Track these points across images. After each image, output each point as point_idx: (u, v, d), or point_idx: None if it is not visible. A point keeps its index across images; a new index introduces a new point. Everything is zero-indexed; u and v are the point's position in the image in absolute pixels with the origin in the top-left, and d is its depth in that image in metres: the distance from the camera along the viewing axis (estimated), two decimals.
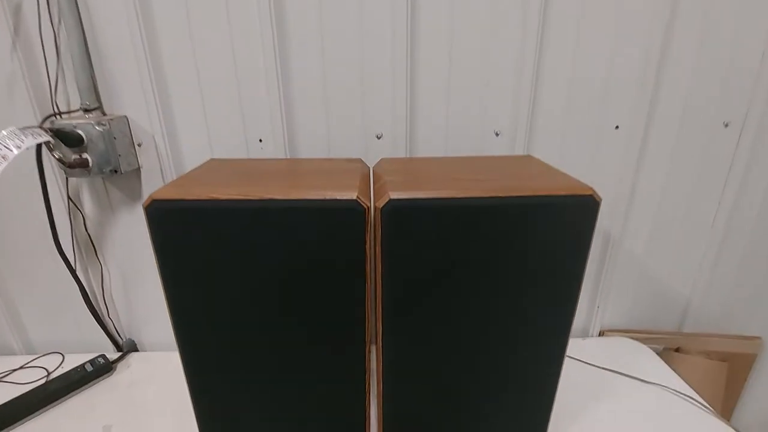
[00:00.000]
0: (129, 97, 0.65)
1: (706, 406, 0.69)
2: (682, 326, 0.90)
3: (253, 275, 0.46)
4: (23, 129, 0.52)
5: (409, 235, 0.44)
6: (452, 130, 0.69)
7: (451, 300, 0.48)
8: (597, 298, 0.85)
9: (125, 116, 0.65)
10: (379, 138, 0.69)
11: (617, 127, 0.71)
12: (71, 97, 0.64)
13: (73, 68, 0.61)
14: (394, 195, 0.43)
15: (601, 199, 0.44)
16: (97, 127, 0.60)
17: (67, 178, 0.67)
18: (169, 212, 0.43)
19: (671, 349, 0.88)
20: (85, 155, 0.61)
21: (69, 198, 0.69)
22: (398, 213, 0.43)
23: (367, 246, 0.45)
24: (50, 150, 0.56)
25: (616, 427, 0.65)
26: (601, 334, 0.89)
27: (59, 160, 0.57)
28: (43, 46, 0.60)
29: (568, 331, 0.51)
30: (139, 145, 0.67)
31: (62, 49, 0.61)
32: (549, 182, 0.47)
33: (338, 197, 0.43)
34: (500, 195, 0.44)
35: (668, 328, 0.90)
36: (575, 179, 0.48)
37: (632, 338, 0.87)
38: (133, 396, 0.70)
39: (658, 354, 0.83)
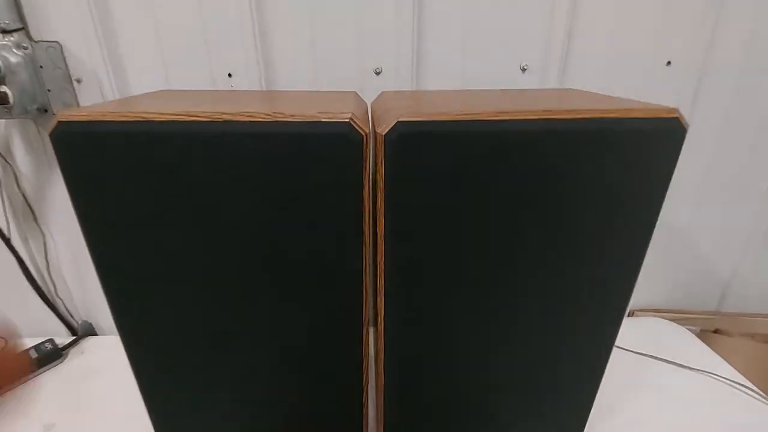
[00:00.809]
0: (63, 19, 0.51)
1: (760, 394, 0.59)
2: (721, 306, 0.79)
3: (210, 228, 0.34)
4: None
5: (422, 174, 0.32)
6: (469, 66, 0.56)
7: (478, 264, 0.36)
8: None
9: (57, 42, 0.51)
10: (378, 74, 0.56)
11: (669, 63, 0.58)
12: None
13: None
14: (403, 119, 0.31)
15: (688, 126, 0.32)
16: (15, 50, 0.46)
17: None
18: (85, 139, 0.30)
19: (709, 331, 0.78)
20: (2, 88, 0.47)
21: None
22: (408, 142, 0.31)
23: (365, 191, 0.33)
24: None
25: (660, 418, 0.54)
26: (631, 314, 0.78)
27: None
28: None
29: (628, 300, 0.40)
30: (78, 81, 0.53)
31: None
32: (612, 105, 0.34)
33: (324, 119, 0.31)
34: (550, 117, 0.31)
35: (706, 307, 0.80)
36: (645, 102, 0.36)
37: (667, 318, 0.76)
38: (83, 389, 0.58)
39: (696, 336, 0.72)
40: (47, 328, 0.68)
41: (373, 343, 0.43)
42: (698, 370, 0.63)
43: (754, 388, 0.60)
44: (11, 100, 0.48)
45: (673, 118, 0.32)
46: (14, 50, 0.46)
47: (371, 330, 0.41)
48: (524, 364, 0.43)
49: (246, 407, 0.45)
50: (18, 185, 0.58)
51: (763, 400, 0.58)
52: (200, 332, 0.39)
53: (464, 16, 0.54)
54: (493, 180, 0.33)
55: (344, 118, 0.31)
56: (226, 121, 0.30)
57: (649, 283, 0.76)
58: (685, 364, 0.64)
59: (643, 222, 0.36)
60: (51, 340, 0.64)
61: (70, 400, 0.56)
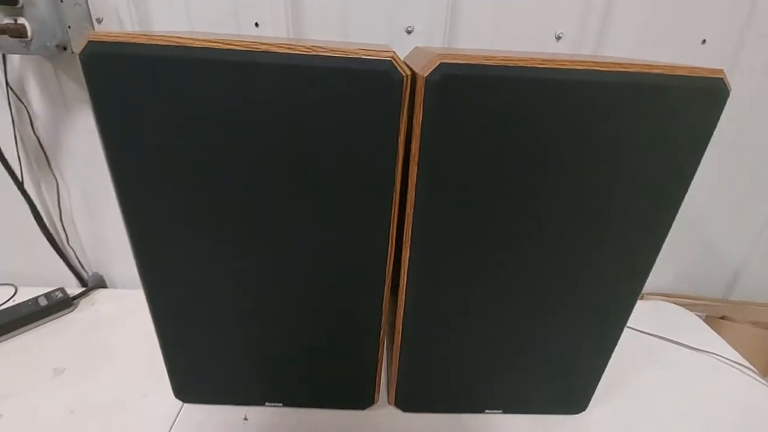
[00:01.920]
0: None
1: (762, 377, 0.59)
2: (729, 294, 0.80)
3: (239, 159, 0.33)
4: None
5: (464, 121, 0.31)
6: (503, 30, 0.54)
7: (505, 218, 0.36)
8: None
9: None
10: (409, 32, 0.54)
11: (704, 41, 0.57)
12: None
13: None
14: (447, 60, 0.30)
15: (731, 89, 0.31)
16: None
17: (4, 57, 0.52)
18: (115, 60, 0.29)
19: (715, 317, 0.78)
20: (21, 20, 0.46)
21: (8, 86, 0.54)
22: (451, 85, 0.30)
23: (400, 137, 0.32)
24: None
25: (664, 396, 0.55)
26: (640, 297, 0.78)
27: None
28: None
29: (651, 266, 0.40)
30: (98, 21, 0.52)
31: None
32: (657, 64, 0.33)
33: (366, 56, 0.30)
34: (597, 68, 0.30)
35: (713, 295, 0.80)
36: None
37: (675, 303, 0.76)
38: (93, 337, 0.58)
39: (702, 321, 0.73)
40: (57, 278, 0.68)
41: (392, 300, 0.43)
42: (704, 351, 0.63)
43: (756, 371, 0.61)
44: (29, 33, 0.46)
45: (718, 78, 0.31)
46: None
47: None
48: (537, 330, 0.43)
49: (263, 356, 0.45)
50: (33, 127, 0.57)
51: (765, 382, 0.59)
52: (225, 272, 0.39)
53: None
54: (537, 131, 0.32)
55: (386, 56, 0.30)
56: (264, 51, 0.29)
57: (660, 268, 0.76)
58: (692, 345, 0.64)
59: (675, 189, 0.35)
60: (62, 289, 0.63)
61: (81, 347, 0.56)
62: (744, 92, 0.60)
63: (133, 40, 0.29)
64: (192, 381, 0.47)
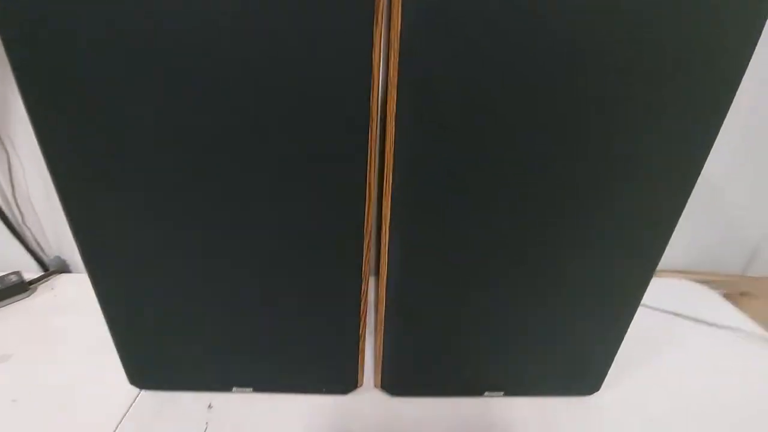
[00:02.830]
0: None
1: None
2: (748, 270, 0.74)
3: (186, 86, 0.27)
4: None
5: (450, 16, 0.26)
6: None
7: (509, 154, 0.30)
8: None
9: None
10: None
11: None
12: None
13: None
14: None
15: None
16: None
17: None
18: None
19: (735, 294, 0.72)
20: None
21: None
22: None
23: (377, 31, 0.26)
24: None
25: (683, 374, 0.49)
26: (654, 274, 0.72)
27: None
28: None
29: (669, 233, 0.34)
30: None
31: None
32: None
33: None
34: None
35: (732, 271, 0.74)
36: None
37: (691, 280, 0.70)
38: (47, 323, 0.53)
39: (721, 297, 0.67)
40: (16, 263, 0.62)
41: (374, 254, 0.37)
42: (725, 326, 0.57)
43: None
44: None
45: None
46: None
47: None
48: (541, 304, 0.38)
49: (228, 337, 0.39)
50: None
51: None
52: (177, 243, 0.33)
53: None
54: (543, 47, 0.26)
55: None
56: None
57: (675, 244, 0.69)
58: (711, 322, 0.58)
59: (706, 128, 0.30)
60: (17, 273, 0.58)
61: (31, 333, 0.51)
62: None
63: None
64: (148, 366, 0.41)
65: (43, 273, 0.61)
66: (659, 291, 0.65)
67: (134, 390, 0.43)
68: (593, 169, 0.31)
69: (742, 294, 0.72)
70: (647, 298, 0.61)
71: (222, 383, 0.42)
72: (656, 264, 0.37)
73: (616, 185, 0.32)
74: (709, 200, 0.66)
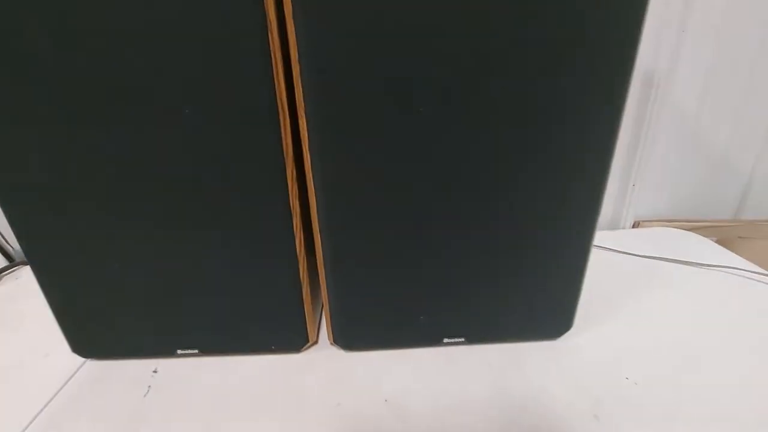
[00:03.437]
0: None
1: None
2: (741, 213, 0.70)
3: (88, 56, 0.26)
4: None
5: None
6: None
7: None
8: (632, 174, 0.64)
9: None
10: None
11: None
12: None
13: None
14: None
15: None
16: None
17: None
18: None
19: (729, 239, 0.68)
20: None
21: None
22: None
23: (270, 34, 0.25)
24: None
25: (669, 315, 0.45)
26: (636, 225, 0.69)
27: None
28: None
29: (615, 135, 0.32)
30: None
31: None
32: None
33: None
34: None
35: (723, 216, 0.70)
36: None
37: (679, 228, 0.66)
38: (6, 308, 0.52)
39: (713, 242, 0.63)
40: None
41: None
42: (718, 267, 0.54)
43: None
44: None
45: None
46: None
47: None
48: (486, 239, 0.35)
49: (166, 296, 0.37)
50: None
51: None
52: (101, 196, 0.32)
53: None
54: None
55: None
56: None
57: (657, 188, 0.66)
58: (700, 263, 0.55)
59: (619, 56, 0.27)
60: None
61: None
62: None
63: None
64: (90, 334, 0.40)
65: (7, 264, 0.61)
66: (642, 239, 0.62)
67: (79, 361, 0.41)
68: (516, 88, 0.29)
69: (740, 238, 0.68)
70: (629, 245, 0.58)
71: (166, 347, 0.40)
72: (602, 188, 0.34)
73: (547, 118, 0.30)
74: (691, 143, 0.63)
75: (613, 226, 0.68)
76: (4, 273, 0.59)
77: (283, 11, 0.27)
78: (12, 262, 0.62)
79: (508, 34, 0.28)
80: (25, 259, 0.62)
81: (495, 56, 0.28)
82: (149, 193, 0.32)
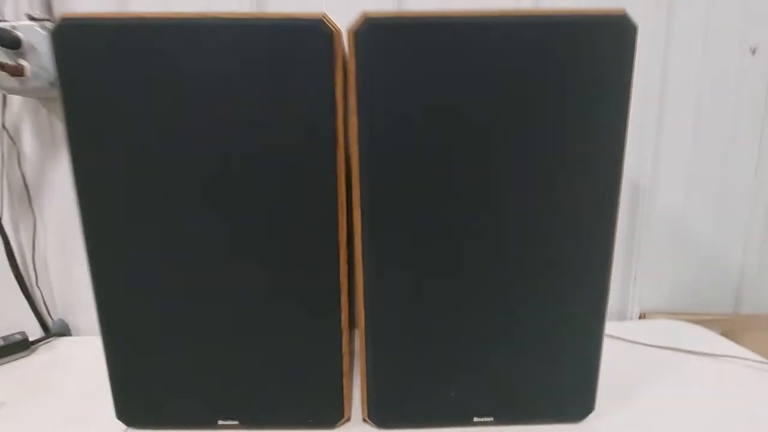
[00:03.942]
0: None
1: None
2: (738, 306, 0.74)
3: (192, 118, 0.35)
4: None
5: (389, 64, 0.34)
6: None
7: (446, 151, 0.36)
8: (633, 267, 0.70)
9: None
10: None
11: None
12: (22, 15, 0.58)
13: None
14: (371, 14, 0.34)
15: (637, 26, 0.35)
16: (38, 29, 0.52)
17: (4, 99, 0.58)
18: (83, 32, 0.33)
19: (731, 331, 0.71)
20: (21, 61, 0.52)
21: (4, 128, 0.59)
22: (374, 34, 0.33)
23: (337, 80, 0.34)
24: None
25: (683, 402, 0.47)
26: (642, 317, 0.73)
27: None
28: None
29: (613, 221, 0.38)
30: None
31: None
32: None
33: (300, 17, 0.34)
34: (503, 15, 0.34)
35: (723, 310, 0.74)
36: None
37: (682, 320, 0.70)
38: (44, 377, 0.54)
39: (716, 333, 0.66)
40: (18, 321, 0.65)
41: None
42: (724, 356, 0.57)
43: None
44: (28, 72, 0.52)
45: (621, 15, 0.34)
46: (37, 29, 0.52)
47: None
48: (510, 320, 0.40)
49: (213, 369, 0.41)
50: (19, 166, 0.61)
51: None
52: (175, 278, 0.38)
53: None
54: (457, 73, 0.34)
55: (317, 16, 0.34)
56: (214, 17, 0.33)
57: (657, 280, 0.72)
58: (709, 353, 0.58)
59: (612, 129, 0.36)
60: (22, 332, 0.60)
61: (28, 386, 0.51)
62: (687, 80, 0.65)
63: (97, 16, 0.33)
64: (137, 401, 0.42)
65: (44, 336, 0.63)
66: (649, 331, 0.65)
67: (119, 429, 0.42)
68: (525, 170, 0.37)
69: (742, 330, 0.71)
70: (639, 336, 0.62)
71: (209, 417, 0.42)
72: (606, 285, 0.40)
73: (549, 185, 0.37)
74: (682, 241, 0.70)
75: (621, 317, 0.72)
76: (41, 343, 0.62)
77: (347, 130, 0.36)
78: (48, 333, 0.64)
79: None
80: (61, 331, 0.65)
81: (510, 178, 0.37)
82: (218, 272, 0.38)
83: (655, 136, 0.66)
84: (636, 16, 0.35)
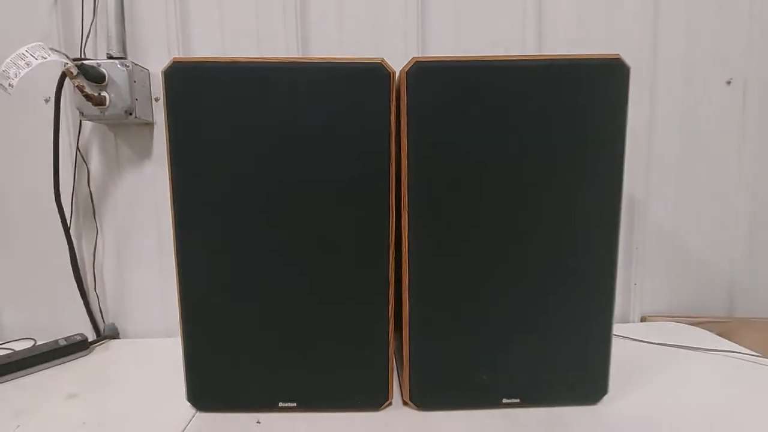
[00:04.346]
0: (154, 55, 0.67)
1: None
2: (732, 310, 0.81)
3: (263, 147, 0.43)
4: (51, 48, 0.53)
5: (436, 101, 0.42)
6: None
7: (480, 167, 0.44)
8: (632, 274, 0.77)
9: (147, 68, 0.67)
10: None
11: None
12: (100, 53, 0.67)
13: (106, 24, 0.64)
14: (420, 59, 0.42)
15: (629, 67, 0.43)
16: (119, 66, 0.61)
17: (79, 127, 0.66)
18: (188, 72, 0.41)
19: (726, 333, 0.78)
20: (104, 93, 0.61)
21: (78, 150, 0.67)
22: (423, 75, 0.42)
23: (392, 117, 0.42)
24: (72, 77, 0.56)
25: (689, 388, 0.53)
26: (643, 320, 0.79)
27: (78, 87, 0.57)
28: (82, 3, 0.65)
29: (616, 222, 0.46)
30: (156, 100, 0.68)
31: (99, 6, 0.65)
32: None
33: (362, 61, 0.42)
34: (525, 58, 0.43)
35: (717, 312, 0.81)
36: None
37: (680, 323, 0.77)
38: (107, 371, 0.59)
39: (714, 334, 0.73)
40: (72, 324, 0.70)
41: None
42: (724, 351, 0.63)
43: None
44: (108, 102, 0.61)
45: (616, 58, 0.43)
46: (118, 66, 0.61)
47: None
48: (529, 311, 0.47)
49: (277, 355, 0.47)
50: (88, 183, 0.68)
51: None
52: (254, 274, 0.45)
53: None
54: (485, 104, 0.43)
55: (377, 60, 0.42)
56: (291, 61, 0.42)
57: (656, 285, 0.79)
58: (707, 348, 0.64)
59: (611, 157, 0.44)
60: (81, 334, 0.66)
61: (95, 379, 0.57)
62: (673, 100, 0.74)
63: (203, 60, 0.42)
64: (208, 387, 0.48)
65: (98, 338, 0.69)
66: (651, 332, 0.72)
67: (190, 414, 0.48)
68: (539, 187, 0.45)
69: (738, 331, 0.77)
70: (642, 335, 0.68)
71: (271, 399, 0.48)
72: (612, 290, 0.47)
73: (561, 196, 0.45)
74: (670, 231, 0.78)
75: (623, 320, 0.79)
76: (96, 344, 0.67)
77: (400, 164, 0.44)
78: (100, 336, 0.70)
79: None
80: (112, 334, 0.71)
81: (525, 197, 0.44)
82: (286, 272, 0.45)
83: (646, 156, 0.74)
84: (625, 56, 0.44)
